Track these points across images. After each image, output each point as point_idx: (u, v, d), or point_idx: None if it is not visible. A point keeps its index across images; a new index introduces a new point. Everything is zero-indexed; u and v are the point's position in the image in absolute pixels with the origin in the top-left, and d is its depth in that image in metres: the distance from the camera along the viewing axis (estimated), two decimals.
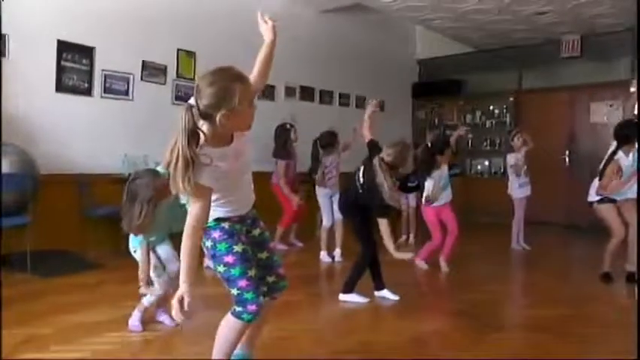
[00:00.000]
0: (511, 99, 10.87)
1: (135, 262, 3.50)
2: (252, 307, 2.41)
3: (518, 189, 7.19)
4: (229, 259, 2.43)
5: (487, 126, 11.26)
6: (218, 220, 2.45)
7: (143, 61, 6.99)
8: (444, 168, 5.94)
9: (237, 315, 2.44)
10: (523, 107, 10.69)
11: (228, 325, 2.49)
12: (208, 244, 2.47)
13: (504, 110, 11.07)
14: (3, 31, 5.49)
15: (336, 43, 9.64)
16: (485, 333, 3.72)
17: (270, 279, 2.65)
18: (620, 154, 5.11)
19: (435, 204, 5.83)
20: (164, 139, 5.93)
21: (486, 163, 11.39)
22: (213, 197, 2.32)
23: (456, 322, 4.05)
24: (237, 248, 2.44)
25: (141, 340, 3.51)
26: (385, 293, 4.62)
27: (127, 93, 6.83)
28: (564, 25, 9.20)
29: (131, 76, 6.87)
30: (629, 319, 3.89)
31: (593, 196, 5.31)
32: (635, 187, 4.91)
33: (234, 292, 2.44)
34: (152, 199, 3.23)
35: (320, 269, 6.12)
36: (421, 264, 5.90)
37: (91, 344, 3.36)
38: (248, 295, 2.42)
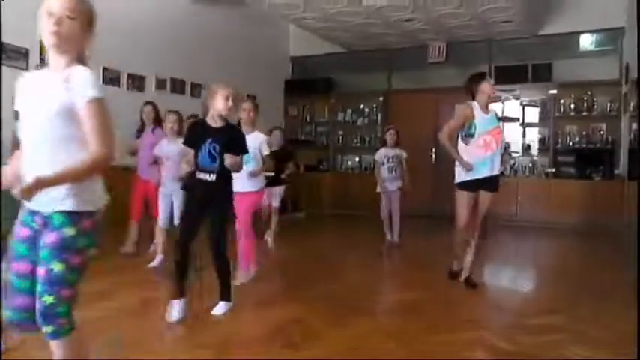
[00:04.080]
0: (381, 98, 11.32)
1: None
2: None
3: (383, 183, 7.16)
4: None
5: (358, 124, 11.63)
6: None
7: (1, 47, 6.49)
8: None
9: None
10: (393, 107, 11.16)
11: None
12: None
13: (375, 109, 11.51)
14: None
15: (209, 36, 9.54)
16: (341, 318, 3.87)
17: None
18: (475, 105, 4.68)
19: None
20: None
21: (357, 159, 11.78)
22: None
23: (316, 310, 4.12)
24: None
25: None
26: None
27: None
28: (431, 32, 9.70)
29: None
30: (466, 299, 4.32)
31: (456, 178, 4.84)
32: (496, 165, 4.70)
33: None
34: None
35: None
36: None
37: None
38: None
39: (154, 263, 5.32)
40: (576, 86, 9.72)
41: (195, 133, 3.96)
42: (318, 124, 12.13)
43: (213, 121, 3.88)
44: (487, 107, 4.71)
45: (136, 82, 8.11)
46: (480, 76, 4.76)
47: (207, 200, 3.82)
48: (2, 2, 5.00)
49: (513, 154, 10.14)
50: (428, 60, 10.63)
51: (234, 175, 4.11)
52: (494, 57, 10.15)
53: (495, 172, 4.73)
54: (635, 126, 7.81)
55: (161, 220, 5.43)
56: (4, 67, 6.49)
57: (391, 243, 7.20)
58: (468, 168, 4.64)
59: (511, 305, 4.53)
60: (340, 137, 11.81)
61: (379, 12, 8.55)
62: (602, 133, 9.63)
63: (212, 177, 3.78)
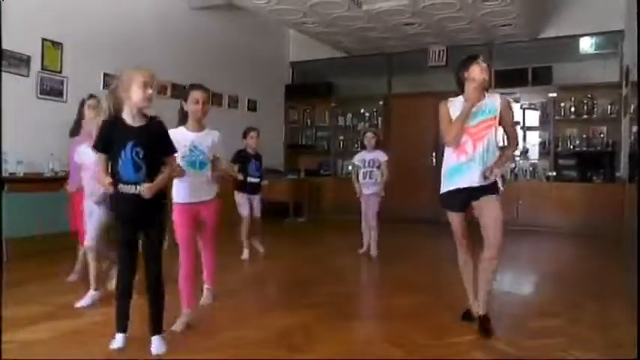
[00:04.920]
0: (381, 103, 11.33)
1: None
2: None
3: (360, 188, 6.82)
4: None
5: (359, 128, 11.62)
6: None
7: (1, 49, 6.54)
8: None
9: None
10: (393, 110, 11.17)
11: None
12: None
13: (375, 113, 11.52)
14: None
15: (209, 42, 9.57)
16: (344, 322, 3.91)
17: None
18: (455, 101, 3.70)
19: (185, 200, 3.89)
20: (27, 134, 5.58)
21: None
22: None
23: (318, 314, 4.14)
24: None
25: None
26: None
27: None
28: (431, 36, 9.72)
29: None
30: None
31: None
32: (475, 174, 3.57)
33: None
34: None
35: None
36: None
37: None
38: None
39: (84, 302, 4.19)
40: (576, 89, 9.72)
41: (109, 134, 3.14)
42: (318, 129, 12.19)
43: (132, 118, 3.15)
44: (481, 97, 3.61)
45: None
46: (470, 60, 3.68)
47: (138, 219, 3.21)
48: (2, 6, 4.96)
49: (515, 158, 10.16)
50: (428, 64, 10.64)
51: (196, 181, 3.78)
52: (494, 60, 10.16)
53: (475, 183, 3.58)
54: (635, 128, 7.81)
55: (88, 240, 4.30)
56: (5, 75, 6.56)
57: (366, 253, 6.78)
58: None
59: (512, 308, 4.53)
60: (341, 142, 11.82)
61: (379, 16, 8.57)
62: (602, 135, 9.64)
63: (139, 189, 3.09)
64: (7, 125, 6.15)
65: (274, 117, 11.64)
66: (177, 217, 3.77)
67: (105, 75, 7.69)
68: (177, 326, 3.63)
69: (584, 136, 9.79)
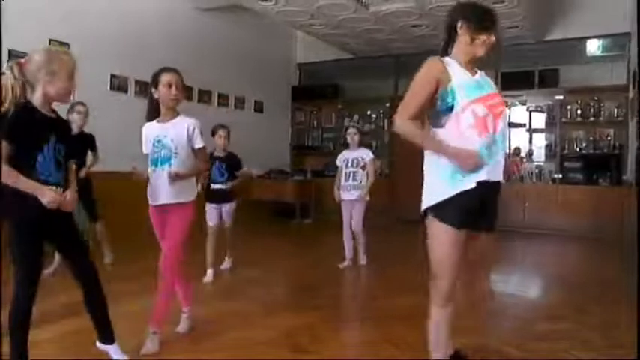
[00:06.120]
0: (387, 104, 11.32)
1: None
2: None
3: (340, 192, 6.29)
4: None
5: (365, 129, 11.60)
6: None
7: (9, 50, 6.56)
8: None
9: None
10: None
11: None
12: None
13: (381, 115, 11.52)
14: None
15: (216, 43, 9.60)
16: (347, 323, 3.92)
17: None
18: (451, 61, 2.58)
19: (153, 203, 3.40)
20: None
21: None
22: None
23: (322, 315, 4.16)
24: None
25: None
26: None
27: None
28: (437, 38, 9.69)
29: None
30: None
31: (428, 197, 2.56)
32: (500, 160, 2.48)
33: None
34: None
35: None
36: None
37: None
38: None
39: None
40: (583, 92, 9.71)
41: (27, 125, 2.59)
42: (325, 130, 12.21)
43: (48, 110, 2.69)
44: (473, 68, 2.61)
45: (144, 88, 8.15)
46: (481, 21, 2.54)
47: (54, 225, 2.73)
48: (2, 6, 4.97)
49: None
50: None
51: (157, 181, 3.26)
52: (500, 63, 10.14)
53: (499, 178, 2.49)
54: None
55: None
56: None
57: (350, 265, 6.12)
58: (468, 160, 2.37)
59: (518, 311, 4.53)
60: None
61: (386, 18, 8.58)
62: (609, 138, 9.62)
63: (59, 191, 2.65)
64: None
65: (281, 118, 11.66)
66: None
67: (112, 76, 7.74)
68: (182, 327, 3.64)
69: (591, 138, 9.77)
